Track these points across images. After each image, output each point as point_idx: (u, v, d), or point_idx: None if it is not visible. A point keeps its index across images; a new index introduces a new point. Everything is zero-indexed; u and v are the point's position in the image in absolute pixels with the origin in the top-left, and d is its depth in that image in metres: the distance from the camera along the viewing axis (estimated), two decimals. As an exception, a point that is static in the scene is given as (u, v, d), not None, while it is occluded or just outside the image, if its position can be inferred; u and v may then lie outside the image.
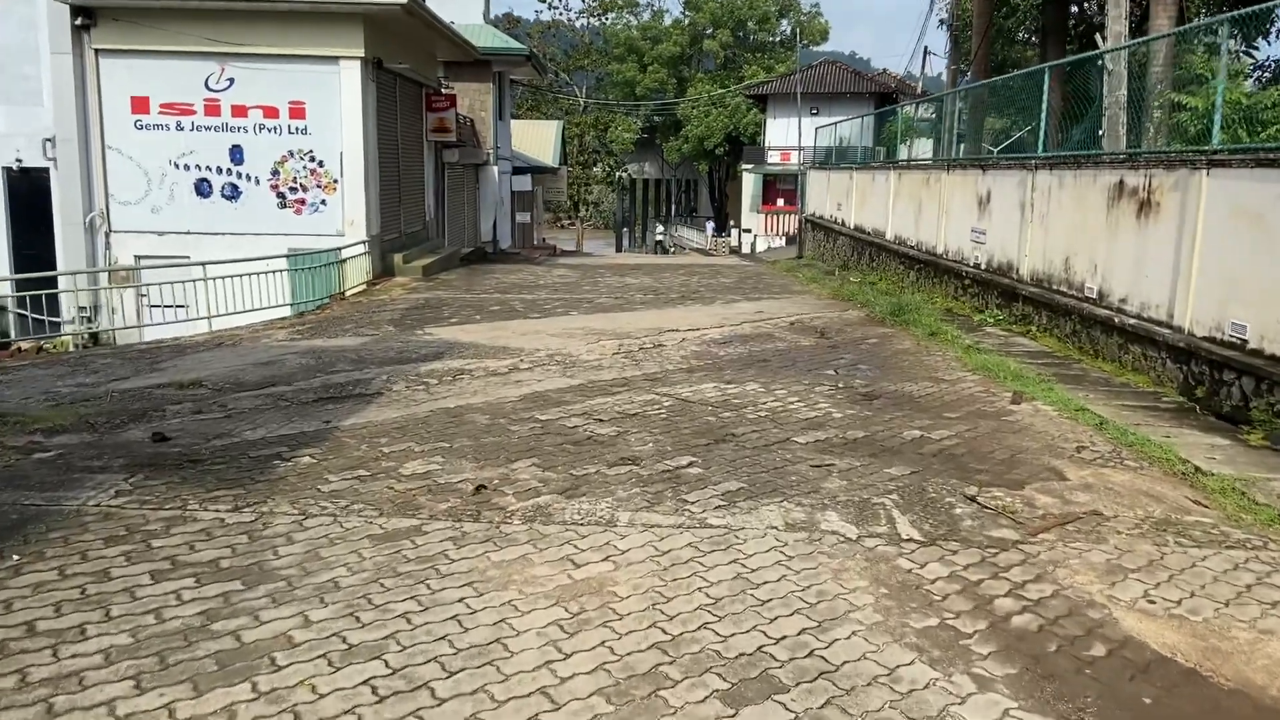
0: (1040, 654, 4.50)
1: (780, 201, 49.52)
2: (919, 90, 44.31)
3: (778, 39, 66.18)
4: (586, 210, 74.60)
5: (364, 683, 4.14)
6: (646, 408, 9.05)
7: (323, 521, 6.03)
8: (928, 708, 4.03)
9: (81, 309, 19.02)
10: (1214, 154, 9.49)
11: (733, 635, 4.60)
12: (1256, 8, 9.80)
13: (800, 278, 22.43)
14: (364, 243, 19.51)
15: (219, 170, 19.89)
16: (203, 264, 16.03)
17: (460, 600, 4.94)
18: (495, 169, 32.91)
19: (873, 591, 5.10)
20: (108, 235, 19.88)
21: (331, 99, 19.56)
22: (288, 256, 17.71)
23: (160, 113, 19.64)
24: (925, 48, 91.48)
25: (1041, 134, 13.55)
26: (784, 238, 45.45)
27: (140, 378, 10.71)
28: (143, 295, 18.18)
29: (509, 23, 67.54)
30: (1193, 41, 13.21)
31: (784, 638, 4.59)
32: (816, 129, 34.14)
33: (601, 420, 8.55)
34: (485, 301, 17.18)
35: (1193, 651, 4.59)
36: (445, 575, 5.24)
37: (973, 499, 6.56)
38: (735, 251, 48.78)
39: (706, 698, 4.06)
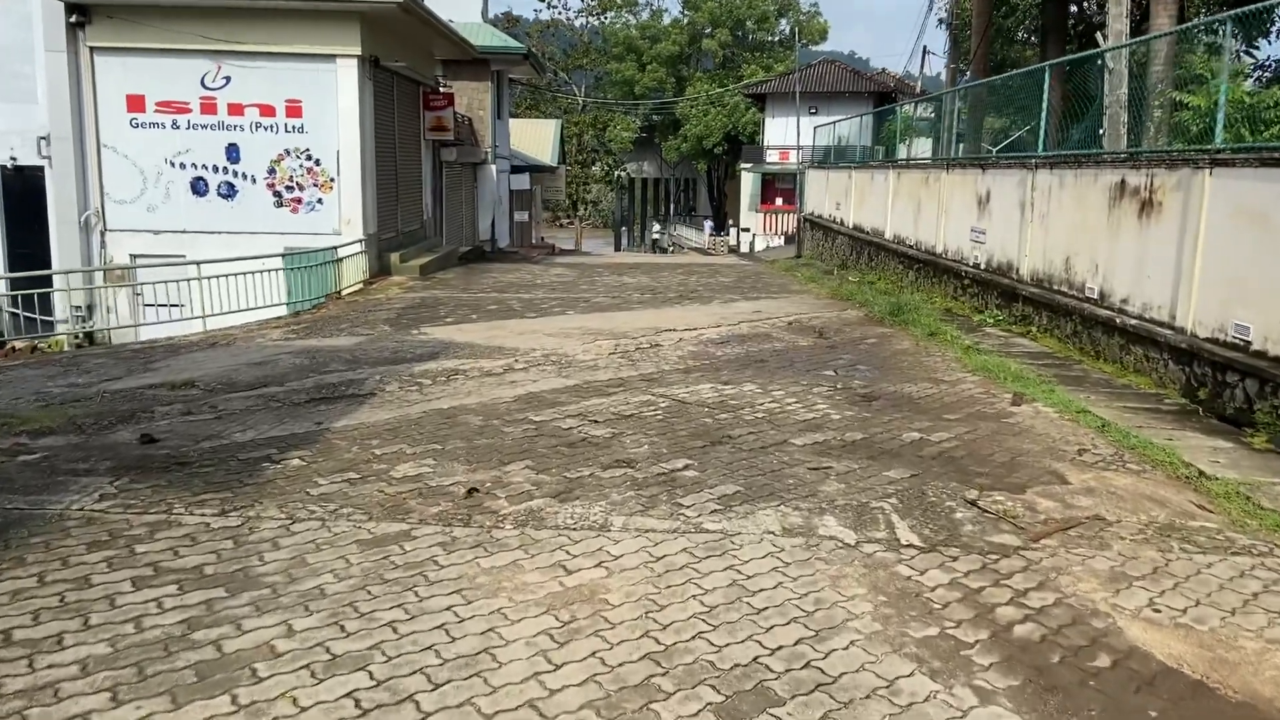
0: (1043, 665, 4.38)
1: (779, 201, 49.46)
2: (918, 89, 44.19)
3: (776, 38, 66.09)
4: (585, 209, 74.49)
5: (347, 695, 4.02)
6: (642, 409, 8.93)
7: (310, 526, 5.91)
8: (927, 721, 3.92)
9: (76, 308, 18.90)
10: (1217, 153, 9.37)
11: (727, 645, 4.48)
12: (1258, 6, 9.69)
13: (799, 277, 22.31)
14: (360, 241, 19.39)
15: (215, 169, 19.76)
16: (197, 263, 15.92)
17: (448, 608, 4.83)
18: (493, 168, 32.78)
19: (871, 599, 4.98)
20: (103, 234, 19.75)
21: (328, 97, 19.43)
22: (284, 255, 17.59)
23: (156, 111, 19.51)
24: (924, 47, 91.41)
25: (1042, 133, 13.44)
26: (783, 237, 45.37)
27: (132, 378, 10.59)
28: (138, 294, 18.07)
29: (508, 22, 67.47)
30: (1193, 41, 13.11)
31: (780, 648, 4.47)
32: (815, 128, 34.05)
33: (596, 422, 8.43)
34: (482, 301, 17.07)
35: (1199, 662, 4.47)
36: (434, 582, 5.12)
37: (973, 503, 6.44)
38: (734, 251, 48.69)
39: (699, 711, 3.94)
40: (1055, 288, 12.47)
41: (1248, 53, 20.41)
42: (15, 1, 18.92)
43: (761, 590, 5.05)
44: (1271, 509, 6.43)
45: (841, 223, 25.56)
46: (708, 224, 60.81)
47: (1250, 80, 19.26)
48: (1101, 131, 13.35)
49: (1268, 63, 22.31)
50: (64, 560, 5.35)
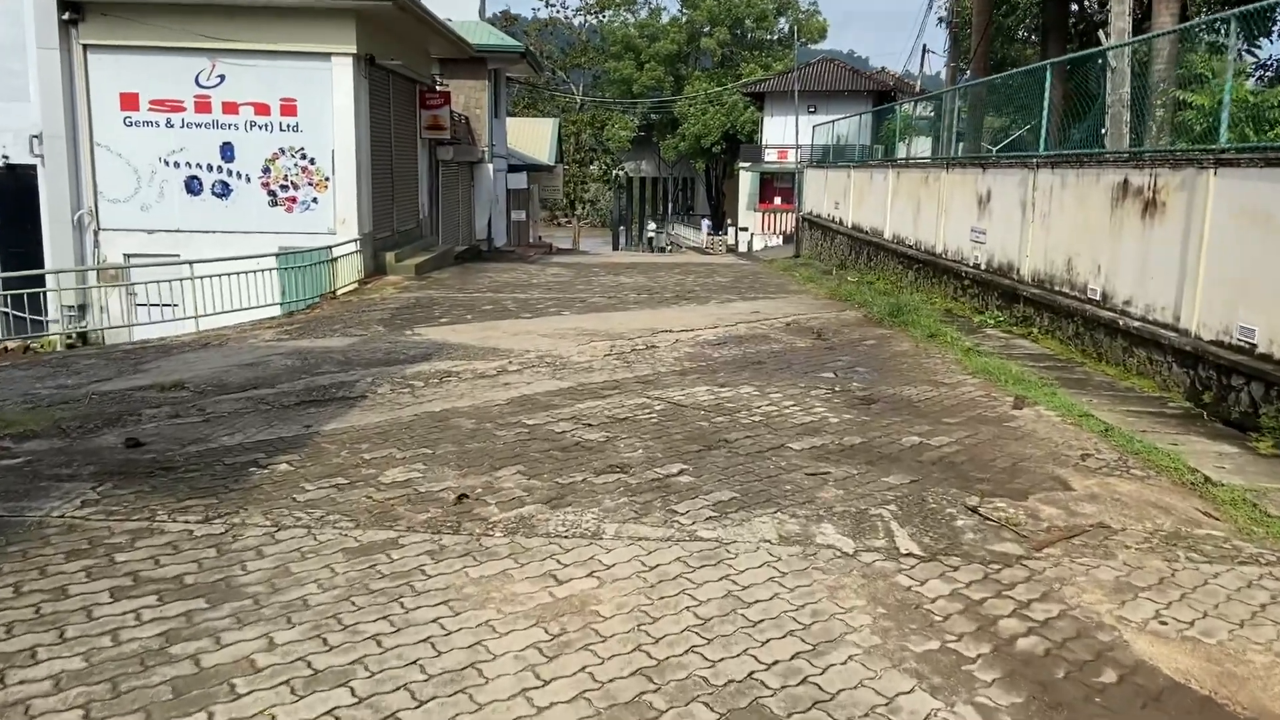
0: (1047, 681, 4.24)
1: (777, 200, 49.34)
2: (918, 88, 44.08)
3: (775, 37, 65.92)
4: (583, 208, 74.38)
5: (327, 713, 3.88)
6: (637, 412, 8.79)
7: (296, 534, 5.77)
8: (928, 741, 3.78)
9: (68, 308, 18.75)
10: (1221, 153, 9.23)
11: (722, 660, 4.34)
12: (1262, 4, 9.56)
13: (797, 277, 22.17)
14: (356, 241, 19.26)
15: (209, 168, 19.64)
16: (190, 263, 15.78)
17: (435, 620, 4.69)
18: (490, 167, 32.64)
19: (870, 611, 4.84)
20: (96, 233, 19.62)
21: (323, 96, 19.30)
22: (278, 255, 17.45)
23: (150, 109, 19.39)
24: (924, 46, 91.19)
25: (1043, 132, 13.29)
26: (781, 236, 45.26)
27: (122, 379, 10.46)
28: (132, 294, 17.93)
29: (506, 20, 67.40)
30: (1195, 39, 12.96)
31: (776, 662, 4.33)
32: (814, 127, 33.89)
33: (590, 425, 8.29)
34: (477, 301, 16.92)
35: (1207, 677, 4.34)
36: (420, 593, 4.98)
37: (974, 510, 6.31)
38: (732, 250, 48.56)
39: (692, 730, 3.81)
40: (1057, 289, 12.33)
41: (1249, 52, 20.29)
42: (7, -2, 18.78)
43: (757, 601, 4.91)
44: (1278, 516, 6.29)
45: (840, 222, 25.42)
46: (705, 223, 60.67)
47: (1252, 79, 19.14)
48: (1104, 131, 13.21)
49: (1269, 62, 22.18)
50: (41, 570, 5.21)
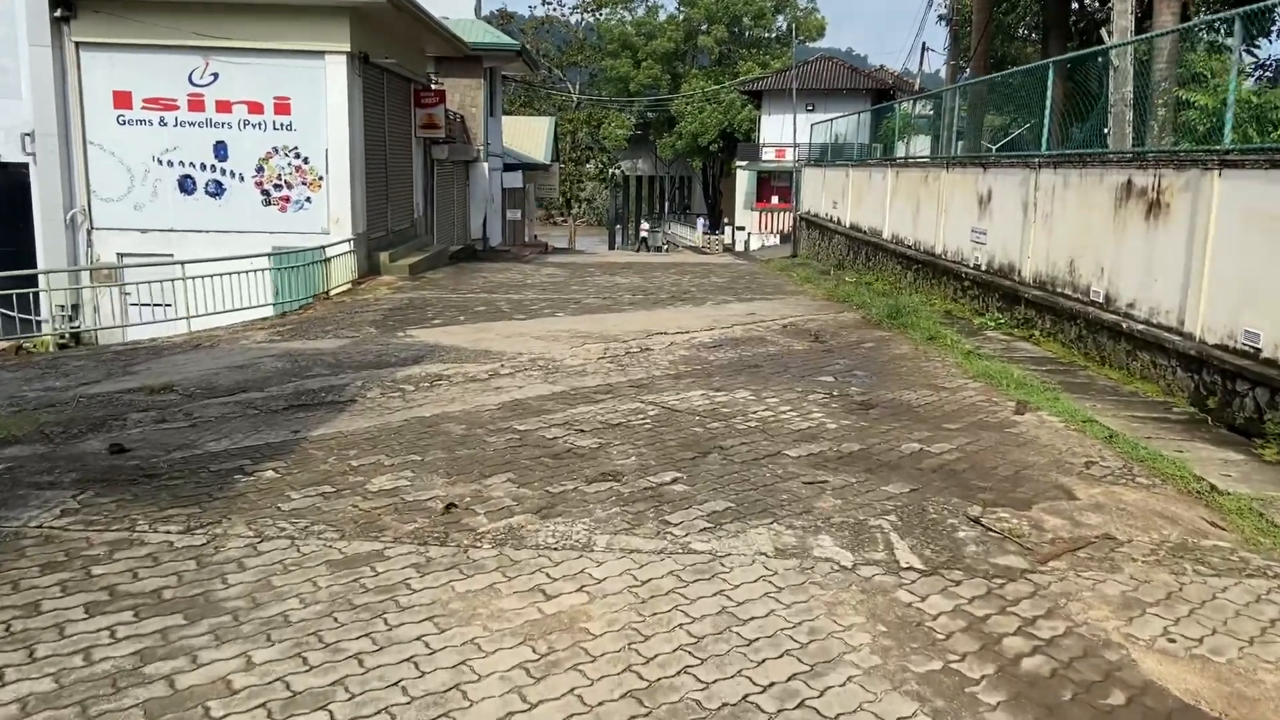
0: (1054, 703, 4.09)
1: (775, 199, 49.16)
2: (917, 87, 43.92)
3: (773, 35, 65.69)
4: (579, 207, 74.18)
5: (304, 739, 3.73)
6: (630, 417, 8.63)
7: (279, 545, 5.61)
8: (930, 770, 3.63)
9: (61, 308, 18.55)
10: (1226, 154, 9.08)
11: (715, 681, 4.19)
12: (1263, 4, 9.41)
13: (794, 277, 22.01)
14: (349, 241, 19.07)
15: (203, 167, 19.44)
16: (182, 263, 15.61)
17: (419, 638, 4.53)
18: (486, 166, 32.45)
19: (870, 629, 4.68)
20: (89, 232, 19.42)
21: (317, 94, 19.11)
22: (271, 255, 17.27)
23: (143, 108, 19.18)
24: (923, 44, 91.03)
25: (1045, 131, 13.13)
26: (778, 235, 45.10)
27: (111, 381, 10.30)
28: (126, 294, 17.76)
29: (502, 18, 67.22)
30: (1195, 39, 12.82)
31: (772, 684, 4.17)
32: (812, 126, 33.72)
33: (583, 431, 8.13)
34: (470, 302, 16.75)
35: (1217, 699, 4.19)
36: (405, 608, 4.82)
37: (976, 520, 6.15)
38: (729, 249, 48.41)
39: (684, 758, 3.66)
40: (1059, 290, 12.17)
41: (1249, 52, 20.16)
42: (-3, -4, 18.59)
43: (752, 619, 4.76)
44: (1287, 527, 6.14)
45: (838, 222, 25.27)
46: (700, 222, 60.48)
47: (1251, 80, 18.99)
48: (1106, 130, 13.06)
49: (1268, 62, 22.05)
50: (14, 584, 5.05)
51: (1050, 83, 13.17)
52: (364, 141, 20.04)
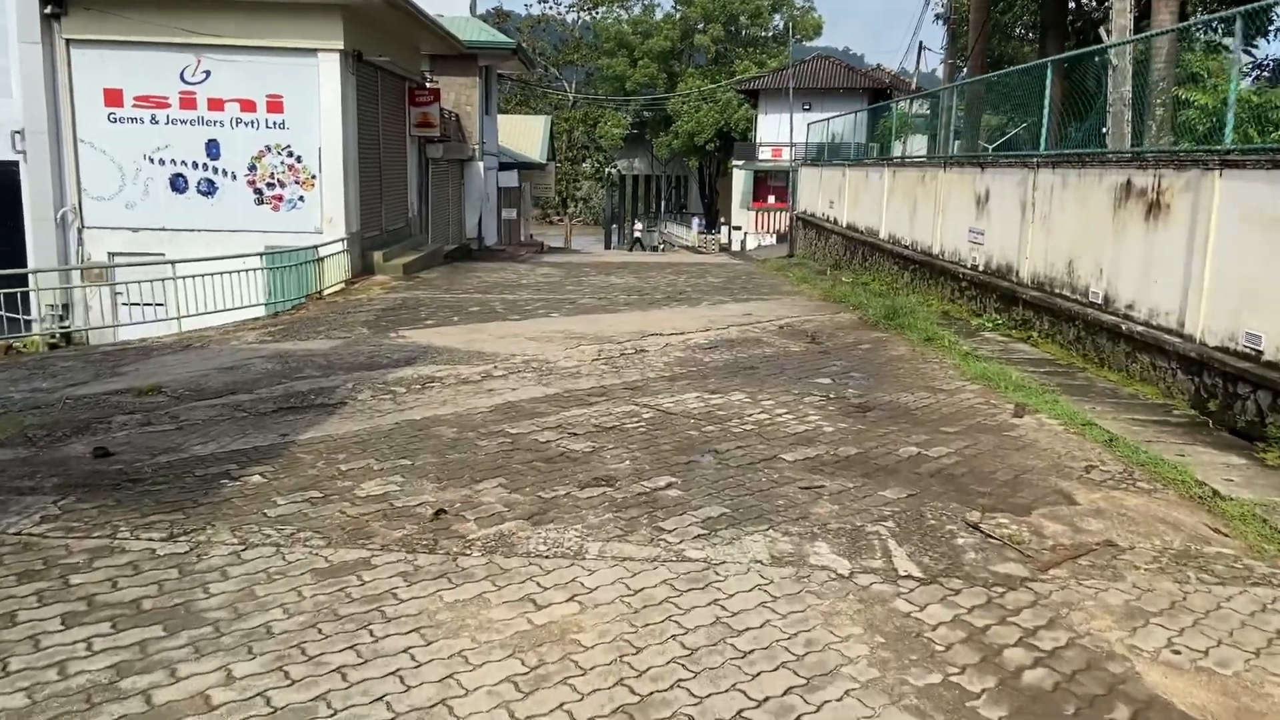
0: (1057, 718, 3.97)
1: (771, 199, 49.06)
2: (914, 86, 43.83)
3: (770, 34, 65.60)
4: (575, 206, 74.07)
5: (283, 758, 3.61)
6: (625, 420, 8.50)
7: (263, 553, 5.48)
8: (931, 790, 3.51)
9: (51, 307, 18.40)
10: (1226, 154, 8.97)
11: (709, 696, 4.07)
12: (1263, 3, 9.31)
13: (791, 277, 21.90)
14: (343, 240, 18.94)
15: (195, 165, 19.30)
16: (172, 262, 15.47)
17: (405, 650, 4.41)
18: (481, 165, 32.29)
19: (868, 640, 4.56)
20: (80, 231, 19.28)
21: (310, 92, 18.98)
22: (264, 255, 17.13)
23: (134, 105, 19.04)
24: (920, 43, 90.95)
25: (1044, 131, 13.02)
26: (775, 235, 44.99)
27: (99, 383, 10.17)
28: (118, 293, 17.62)
29: (498, 16, 67.03)
30: (1192, 39, 12.70)
31: (767, 699, 4.05)
32: (809, 125, 33.61)
33: (576, 434, 8.01)
34: (464, 302, 16.62)
35: (1224, 714, 4.08)
36: (391, 619, 4.70)
37: (975, 526, 6.04)
38: (725, 249, 48.28)
39: (676, 778, 3.54)
40: (1057, 291, 12.06)
41: (1246, 52, 20.04)
42: (-13, -8, 18.42)
43: (747, 629, 4.64)
44: (1292, 533, 6.03)
45: (835, 222, 25.15)
46: (696, 221, 60.36)
47: (1248, 79, 18.90)
48: (1105, 130, 12.95)
49: (1265, 62, 21.98)
50: (-10, 594, 4.93)
51: (1049, 82, 13.06)
52: (358, 140, 19.90)
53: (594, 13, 71.45)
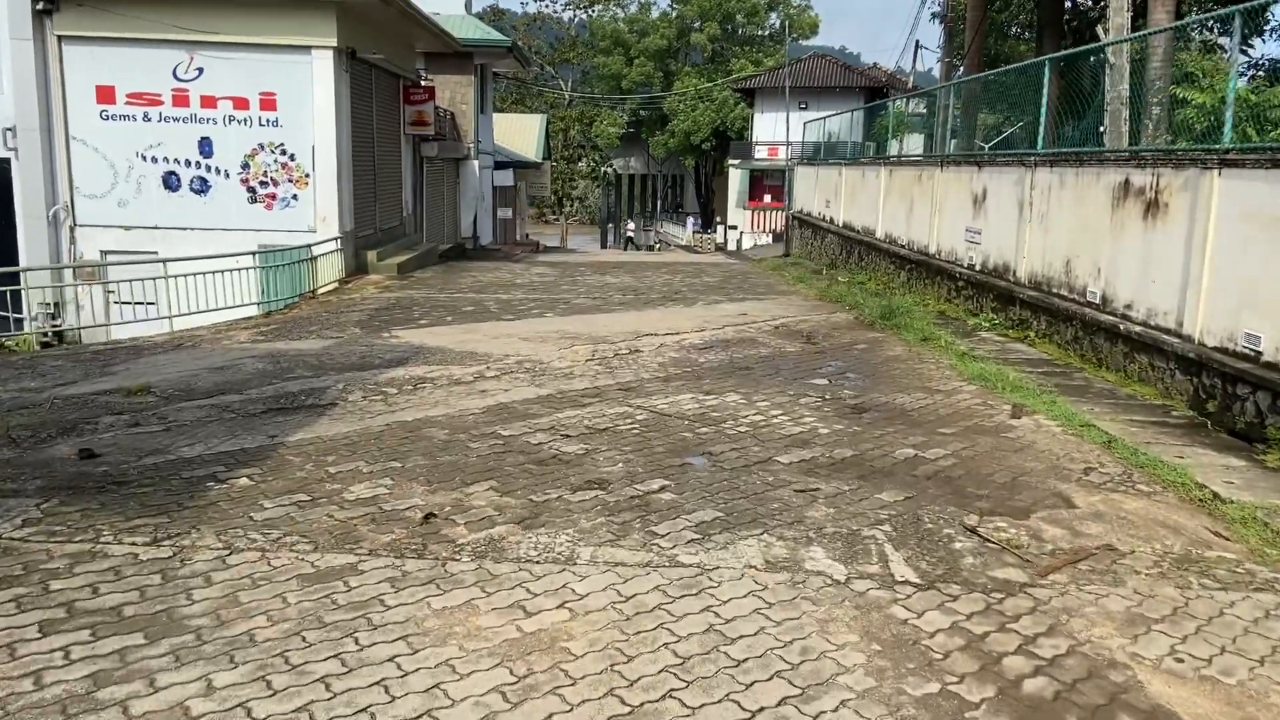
0: (1057, 730, 3.88)
1: (767, 198, 48.99)
2: (910, 85, 43.76)
3: (766, 33, 65.56)
4: (571, 206, 73.93)
5: (263, 772, 3.51)
6: (618, 422, 8.40)
7: (248, 558, 5.38)
8: (929, 805, 3.42)
9: (44, 305, 18.28)
10: (1225, 153, 8.89)
11: (702, 706, 3.97)
12: (1260, 1, 9.22)
13: (786, 277, 21.81)
14: (336, 239, 18.83)
15: (188, 163, 19.18)
16: (165, 261, 15.36)
17: (391, 659, 4.30)
18: (476, 163, 32.17)
19: (864, 648, 4.47)
20: (72, 229, 19.16)
21: (303, 90, 18.86)
22: (257, 253, 17.02)
23: (127, 103, 18.92)
24: (917, 42, 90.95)
25: (1041, 130, 12.93)
26: (770, 234, 44.89)
27: (88, 382, 10.05)
28: (110, 292, 17.50)
29: (493, 14, 66.92)
30: (1188, 38, 12.62)
31: (761, 710, 3.96)
32: (805, 124, 33.52)
33: (569, 436, 7.90)
34: (458, 302, 16.51)
35: (1230, 723, 3.99)
36: (377, 626, 4.60)
37: (973, 530, 5.94)
38: (721, 248, 48.20)
39: (668, 792, 3.44)
40: (1055, 291, 11.98)
41: (1242, 51, 19.98)
42: (-22, -12, 18.28)
43: (741, 637, 4.54)
44: (1294, 537, 5.94)
45: (831, 221, 25.06)
46: (690, 221, 60.26)
47: (1244, 79, 18.81)
48: (1102, 129, 12.87)
49: (1261, 61, 21.89)
50: (-33, 600, 4.82)
51: (1046, 80, 12.97)
52: (351, 138, 19.79)
53: (590, 11, 71.39)
